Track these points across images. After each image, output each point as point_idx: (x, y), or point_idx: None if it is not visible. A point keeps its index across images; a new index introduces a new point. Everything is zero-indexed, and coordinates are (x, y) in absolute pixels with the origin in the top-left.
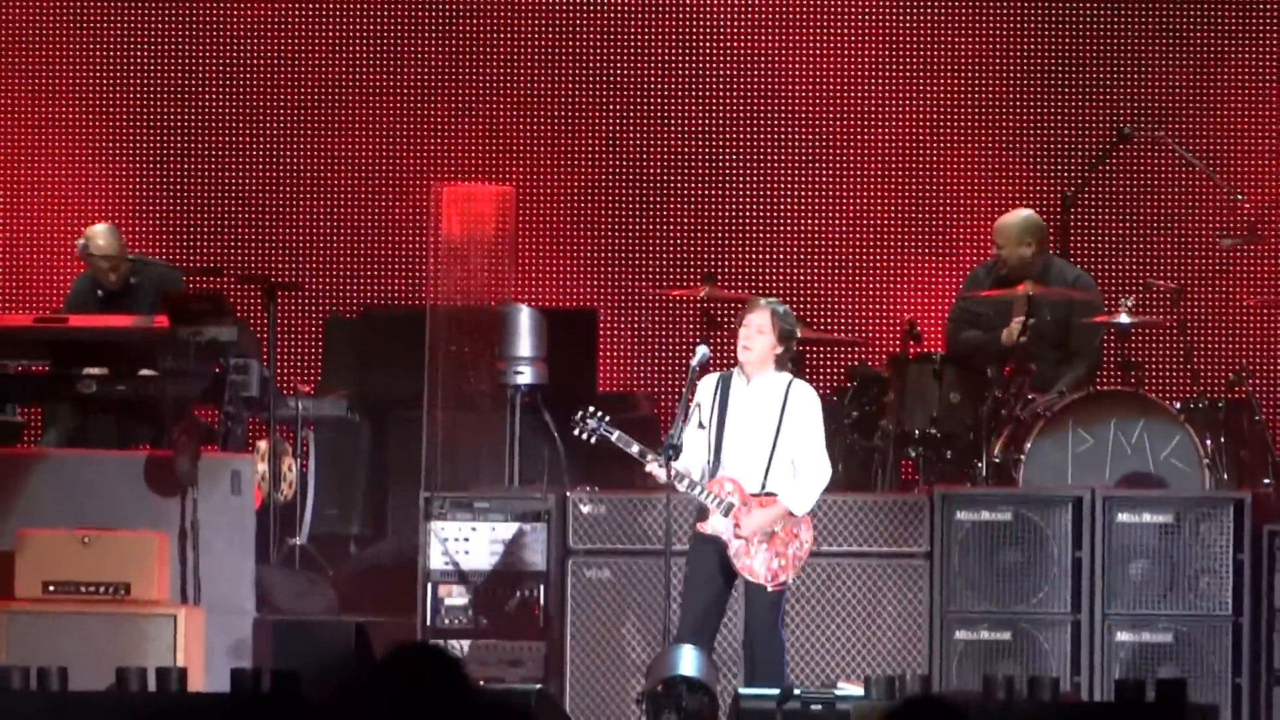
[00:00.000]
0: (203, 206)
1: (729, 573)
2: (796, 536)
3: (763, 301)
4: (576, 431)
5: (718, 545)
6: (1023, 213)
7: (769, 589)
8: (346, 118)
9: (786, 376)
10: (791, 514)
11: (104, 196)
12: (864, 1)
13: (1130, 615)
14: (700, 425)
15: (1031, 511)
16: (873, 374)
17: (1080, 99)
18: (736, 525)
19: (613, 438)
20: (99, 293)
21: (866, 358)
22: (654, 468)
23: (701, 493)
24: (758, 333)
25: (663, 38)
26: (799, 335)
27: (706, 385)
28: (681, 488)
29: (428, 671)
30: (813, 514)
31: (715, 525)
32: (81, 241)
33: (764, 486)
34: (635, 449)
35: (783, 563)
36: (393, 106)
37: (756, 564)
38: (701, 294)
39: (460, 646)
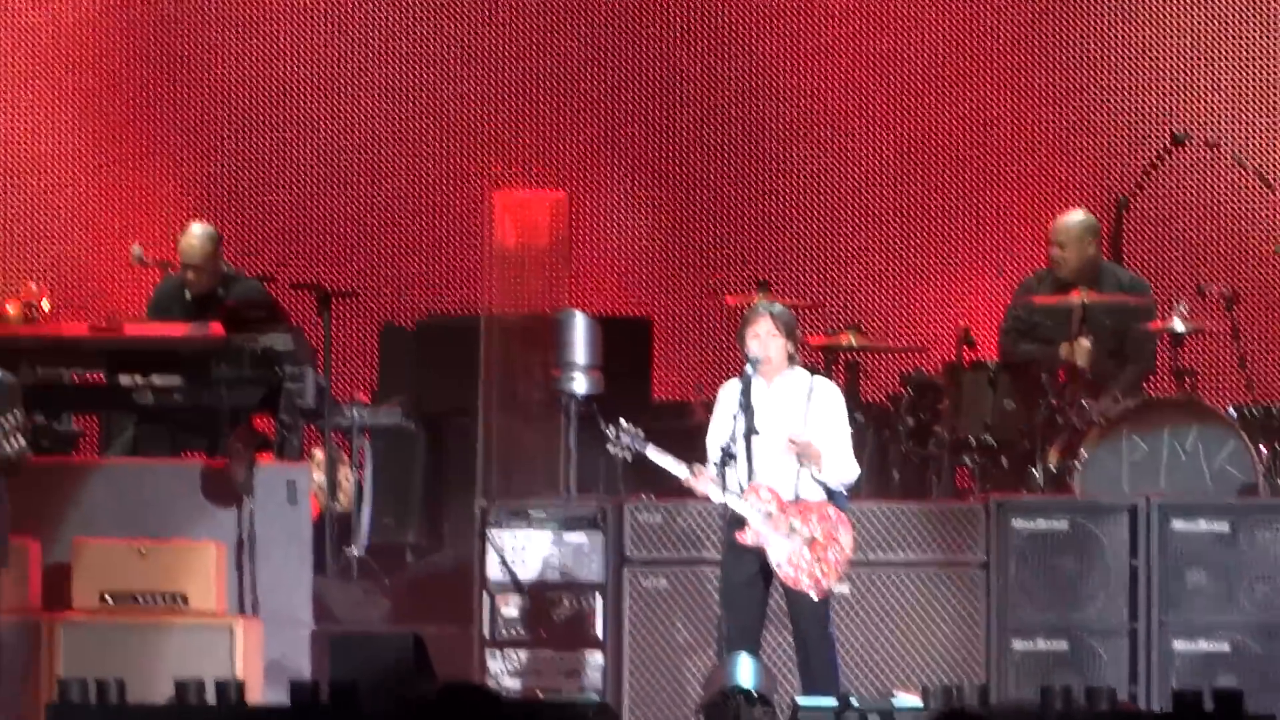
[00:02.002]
0: (258, 214)
1: (767, 578)
2: (836, 540)
3: (760, 307)
4: (611, 448)
5: (756, 553)
6: (1080, 212)
7: (815, 597)
8: (401, 125)
9: (806, 375)
10: (819, 471)
11: (160, 204)
12: (918, 7)
13: (1187, 624)
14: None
15: (1087, 520)
16: (928, 381)
17: (1134, 103)
18: (777, 521)
19: (647, 452)
20: (186, 295)
21: (922, 365)
22: (690, 480)
23: (740, 502)
24: (770, 337)
25: (719, 43)
26: (855, 343)
27: (729, 392)
28: (718, 497)
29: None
30: (857, 520)
31: (755, 535)
32: (136, 248)
33: (798, 492)
34: (670, 462)
35: (825, 569)
36: (447, 113)
37: (799, 573)
38: (756, 302)
39: (517, 657)
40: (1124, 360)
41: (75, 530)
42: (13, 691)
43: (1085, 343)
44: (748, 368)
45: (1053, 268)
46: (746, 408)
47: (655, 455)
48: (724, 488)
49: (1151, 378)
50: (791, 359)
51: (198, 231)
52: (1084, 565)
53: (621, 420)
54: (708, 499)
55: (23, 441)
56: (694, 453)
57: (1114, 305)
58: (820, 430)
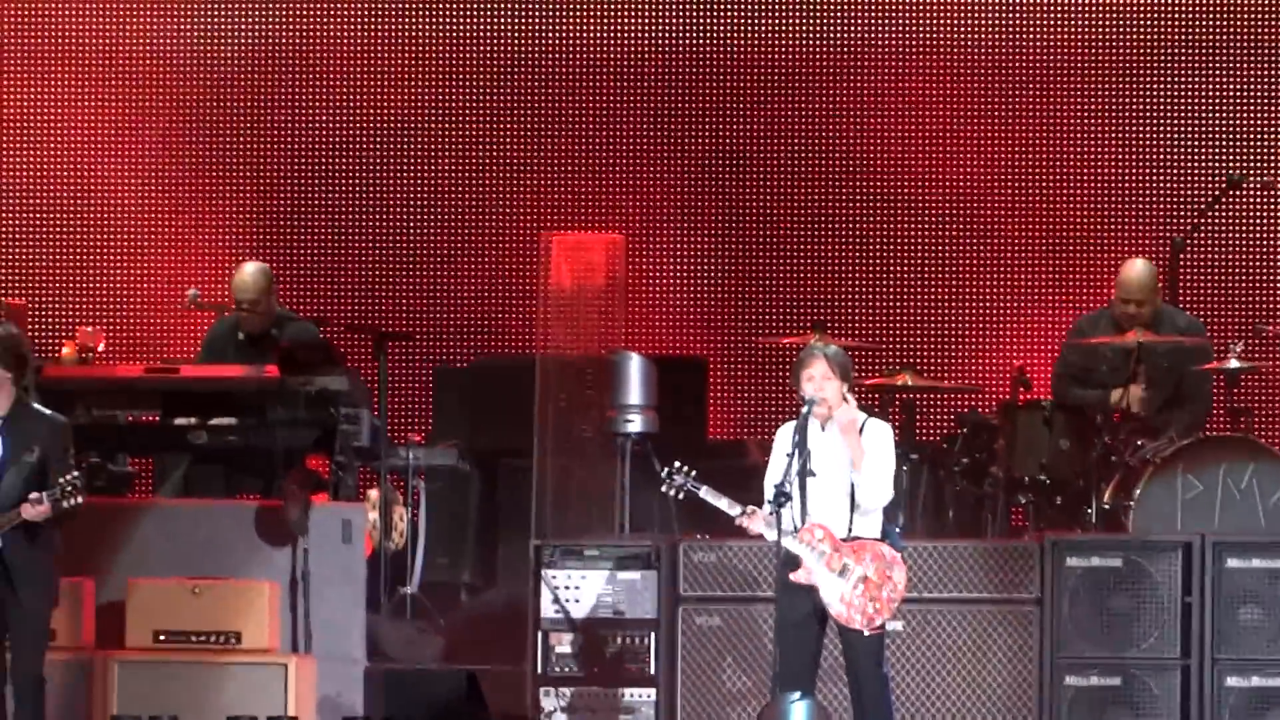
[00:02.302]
0: (312, 256)
1: (822, 617)
2: (890, 579)
3: (814, 349)
4: (664, 489)
5: (810, 592)
6: (1145, 264)
7: (866, 634)
8: (456, 166)
9: (861, 415)
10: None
11: (216, 248)
12: (968, 49)
13: (1240, 660)
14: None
15: (1141, 557)
16: (983, 421)
17: (1190, 144)
18: (830, 560)
19: (700, 493)
20: (240, 335)
21: (977, 404)
22: (743, 520)
23: (794, 541)
24: (825, 379)
25: (774, 88)
26: (911, 383)
27: (785, 435)
28: (771, 537)
29: None
30: (912, 558)
31: (809, 574)
32: (192, 292)
33: (850, 529)
34: (724, 503)
35: (877, 606)
36: (502, 156)
37: (851, 610)
38: (811, 343)
39: (571, 695)
40: (1180, 403)
41: (129, 570)
42: None
43: (1138, 389)
44: (805, 409)
45: (1120, 321)
46: (802, 449)
47: (709, 496)
48: (778, 527)
49: (1209, 416)
50: (845, 400)
51: (250, 269)
52: (1137, 602)
53: (675, 461)
54: (761, 538)
55: (81, 498)
56: (748, 493)
57: (1170, 347)
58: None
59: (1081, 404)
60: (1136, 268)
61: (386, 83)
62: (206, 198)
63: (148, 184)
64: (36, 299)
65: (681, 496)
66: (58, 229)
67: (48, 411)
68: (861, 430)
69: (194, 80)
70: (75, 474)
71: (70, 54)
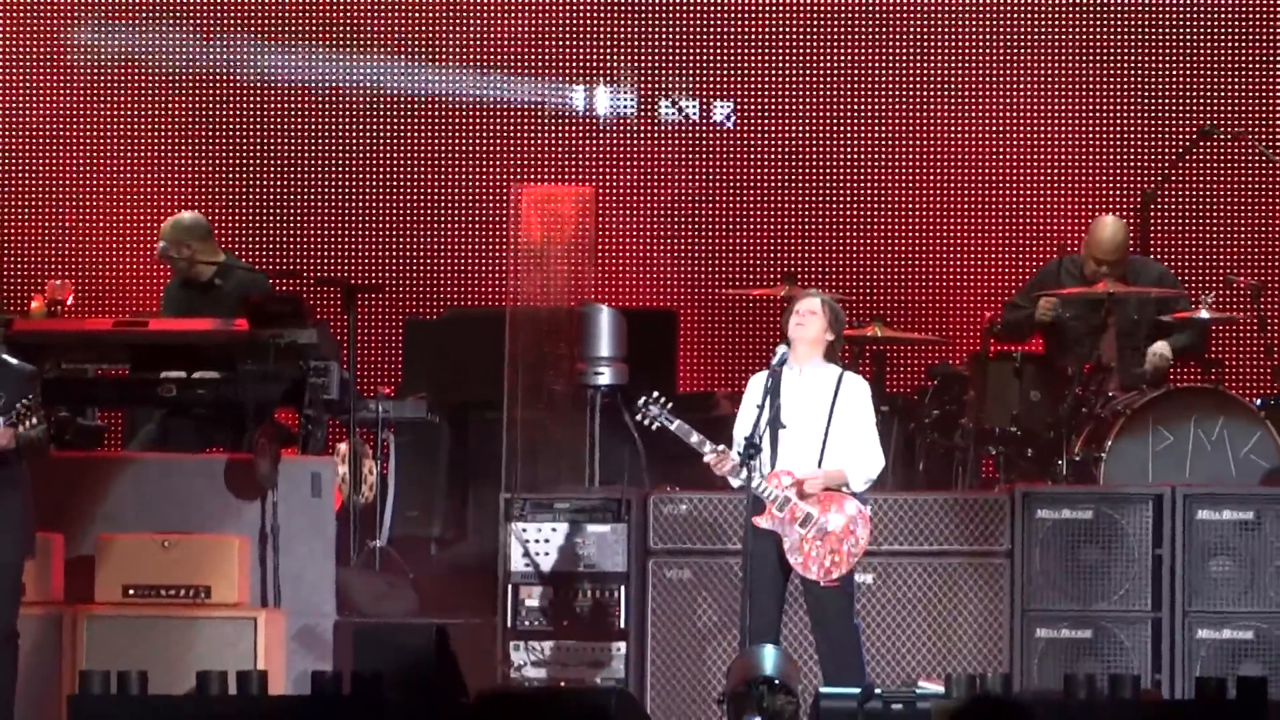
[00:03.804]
0: (282, 209)
1: (786, 567)
2: (853, 533)
3: (813, 291)
4: (638, 417)
5: (774, 539)
6: (1114, 224)
7: (822, 584)
8: (426, 119)
9: (836, 369)
10: (847, 486)
11: (184, 200)
12: (939, 5)
13: (1211, 613)
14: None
15: (1112, 509)
16: (953, 372)
17: (1162, 96)
18: (794, 508)
19: (672, 426)
20: (185, 286)
21: (947, 356)
22: (712, 459)
23: (759, 486)
24: (810, 313)
25: (739, 36)
26: (880, 335)
27: (757, 382)
28: (738, 482)
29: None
30: (883, 510)
31: (772, 520)
32: (162, 245)
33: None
34: (694, 439)
35: (836, 559)
36: (472, 107)
37: (809, 560)
38: (782, 294)
39: (540, 648)
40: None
41: (99, 525)
42: (36, 684)
43: (1107, 346)
44: (776, 359)
45: (1090, 278)
46: (774, 399)
47: (680, 431)
48: (746, 480)
49: (1182, 366)
50: (829, 353)
51: (187, 218)
52: (1108, 554)
53: (653, 393)
54: (728, 482)
55: (39, 422)
56: (720, 443)
57: (1144, 298)
58: (846, 425)
59: (1013, 324)
60: (1107, 228)
61: (357, 34)
62: (177, 151)
63: (119, 137)
64: (5, 253)
65: (655, 427)
66: (26, 182)
67: (15, 361)
68: (839, 382)
69: (162, 32)
70: (30, 399)
71: (34, 8)
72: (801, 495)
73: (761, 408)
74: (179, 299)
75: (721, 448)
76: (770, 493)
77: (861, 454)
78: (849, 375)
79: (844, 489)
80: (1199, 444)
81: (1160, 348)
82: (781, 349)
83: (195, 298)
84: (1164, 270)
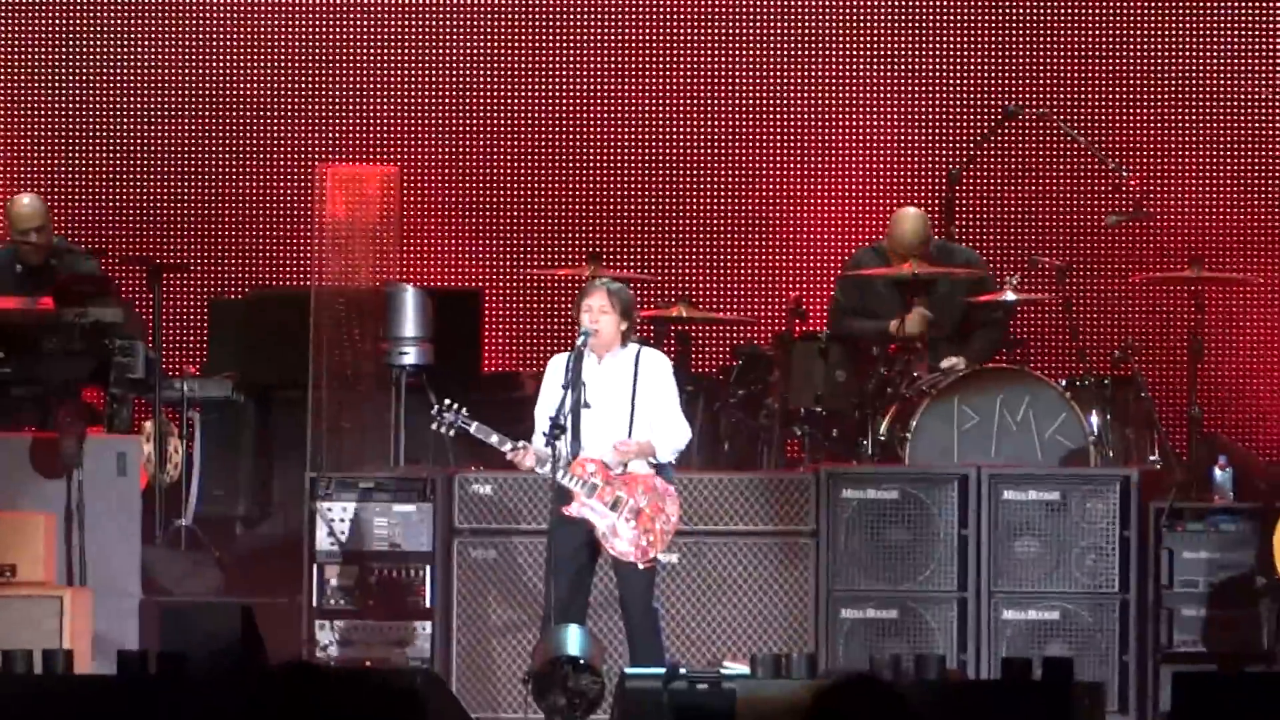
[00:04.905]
0: (87, 187)
1: (593, 551)
2: (663, 511)
3: (598, 282)
4: (435, 426)
5: (583, 525)
6: (914, 215)
7: (640, 566)
8: (231, 96)
9: (634, 347)
10: (654, 457)
11: None
12: None
13: (1017, 593)
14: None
15: (917, 489)
16: (758, 352)
17: (966, 76)
18: (602, 493)
19: (471, 429)
20: (18, 268)
21: (752, 336)
22: (514, 455)
23: (565, 475)
24: (601, 313)
25: (545, 15)
26: (686, 315)
27: (557, 366)
28: (543, 471)
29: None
30: (688, 490)
31: (581, 508)
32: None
33: (626, 465)
34: (494, 439)
35: (651, 539)
36: (278, 86)
37: (625, 543)
38: (586, 274)
39: (346, 627)
40: (969, 333)
41: None
42: None
43: (919, 312)
44: (580, 340)
45: (893, 261)
46: (576, 381)
47: (479, 433)
48: (550, 462)
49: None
50: (625, 338)
51: (28, 199)
52: (914, 534)
53: (445, 399)
54: (534, 472)
55: None
56: (522, 424)
57: (951, 280)
58: (649, 400)
59: (860, 335)
60: (907, 219)
61: (163, 11)
62: None
63: None
64: None
65: (452, 434)
66: None
67: None
68: (637, 360)
69: None
70: None
71: None
72: (607, 479)
73: (566, 388)
74: (13, 279)
75: (522, 444)
76: (576, 481)
77: (666, 427)
78: (646, 351)
79: (651, 461)
80: (1004, 424)
81: (954, 362)
82: (586, 327)
83: (26, 279)
84: (970, 253)
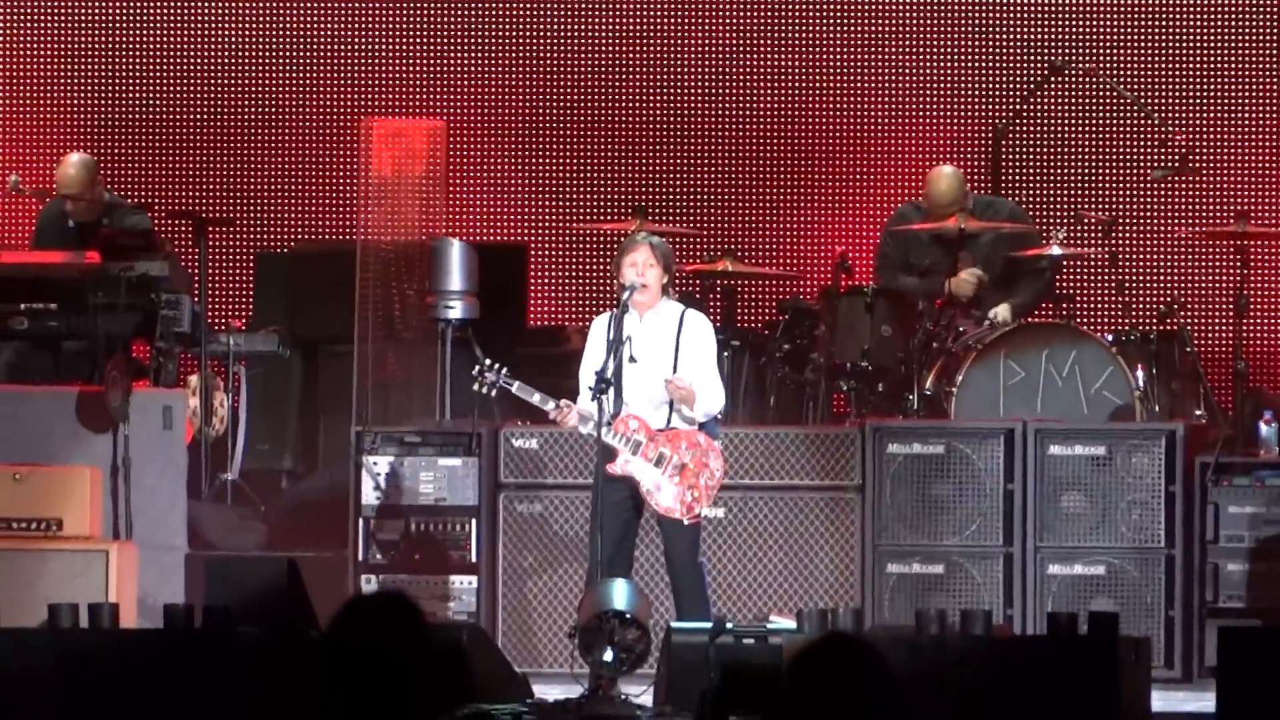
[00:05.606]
0: (133, 141)
1: (638, 506)
2: (706, 466)
3: (639, 236)
4: (476, 386)
5: (628, 481)
6: (950, 173)
7: (685, 522)
8: (277, 51)
9: (679, 306)
10: (690, 409)
11: (36, 134)
12: None
13: (1062, 548)
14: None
15: (963, 444)
16: (804, 307)
17: (1012, 31)
18: (646, 450)
19: (513, 389)
20: (70, 223)
21: (798, 291)
22: (557, 415)
23: (608, 433)
24: (648, 266)
25: None
26: (731, 269)
27: (600, 326)
28: (586, 430)
29: (390, 621)
30: (734, 445)
31: (625, 465)
32: (13, 178)
33: (669, 421)
34: (536, 398)
35: (696, 494)
36: (323, 40)
37: (669, 499)
38: (632, 228)
39: (392, 581)
40: (1013, 284)
41: None
42: None
43: (971, 273)
44: (625, 295)
45: (931, 220)
46: (619, 338)
47: (521, 392)
48: (595, 419)
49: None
50: (666, 291)
51: (74, 160)
52: (959, 489)
53: (486, 360)
54: (576, 431)
55: None
56: (567, 379)
57: (993, 235)
58: (690, 361)
59: (906, 291)
60: (943, 179)
61: None
62: (27, 83)
63: None
64: None
65: (493, 394)
66: None
67: None
68: (682, 320)
69: None
70: None
71: None
72: (650, 436)
73: (611, 344)
74: (65, 234)
75: (564, 403)
76: (620, 438)
77: (705, 388)
78: (690, 313)
79: (684, 411)
80: (1050, 379)
81: (1001, 311)
82: (630, 283)
83: (78, 234)
84: (1015, 206)
